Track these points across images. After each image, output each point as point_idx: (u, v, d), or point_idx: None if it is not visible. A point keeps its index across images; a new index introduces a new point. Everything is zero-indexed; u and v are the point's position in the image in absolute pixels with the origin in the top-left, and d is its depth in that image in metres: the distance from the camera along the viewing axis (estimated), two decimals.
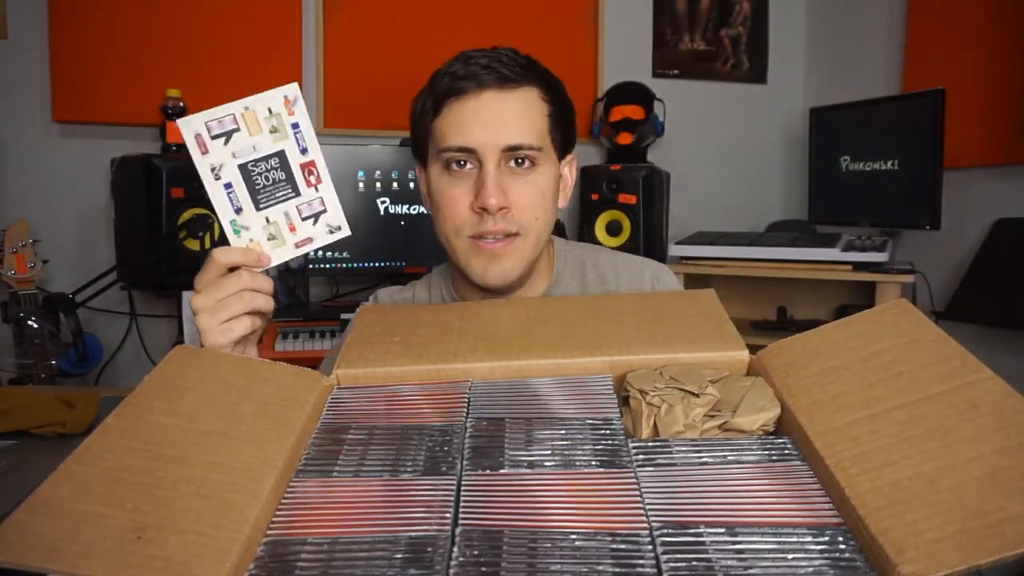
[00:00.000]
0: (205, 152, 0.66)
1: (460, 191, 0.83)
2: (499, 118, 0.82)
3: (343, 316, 1.90)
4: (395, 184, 2.09)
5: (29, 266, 1.78)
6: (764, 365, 0.62)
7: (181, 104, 2.00)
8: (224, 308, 0.68)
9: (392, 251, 2.11)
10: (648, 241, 2.05)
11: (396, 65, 2.27)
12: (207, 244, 1.82)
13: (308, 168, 0.68)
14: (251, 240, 0.69)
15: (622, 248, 2.05)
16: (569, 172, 0.93)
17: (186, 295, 1.84)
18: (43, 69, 2.01)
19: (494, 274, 0.84)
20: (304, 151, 0.68)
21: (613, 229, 2.08)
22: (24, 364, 1.77)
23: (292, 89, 0.68)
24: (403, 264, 2.12)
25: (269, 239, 0.69)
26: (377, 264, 2.11)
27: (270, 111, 0.67)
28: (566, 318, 0.71)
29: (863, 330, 0.59)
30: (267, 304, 0.70)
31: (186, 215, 1.84)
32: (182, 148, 1.95)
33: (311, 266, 2.07)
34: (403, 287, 1.03)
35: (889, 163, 2.03)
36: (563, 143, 0.89)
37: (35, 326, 1.77)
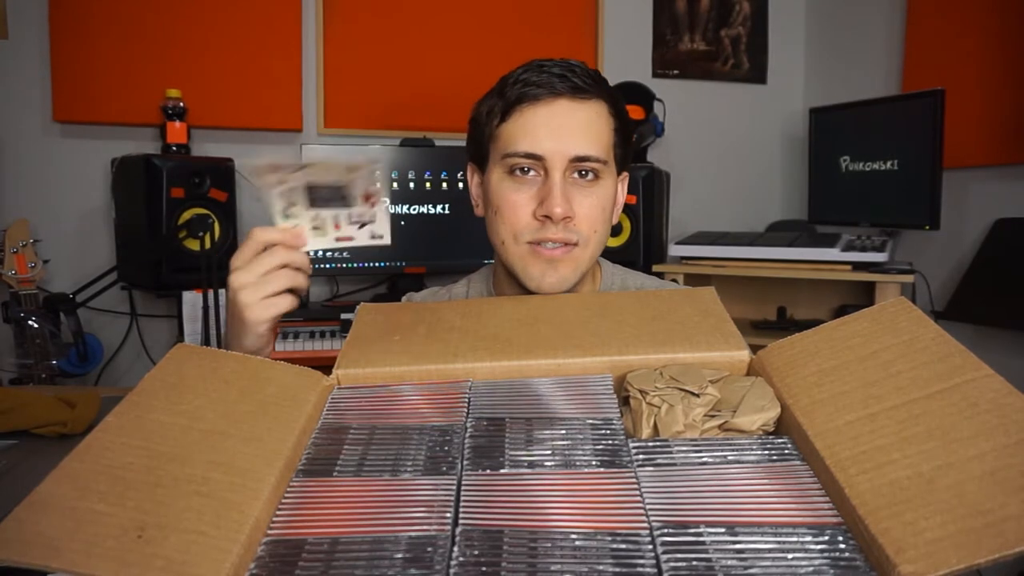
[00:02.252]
0: (276, 171, 0.68)
1: (523, 197, 0.83)
2: (569, 128, 0.82)
3: (343, 316, 1.90)
4: (395, 184, 2.09)
5: (29, 266, 1.78)
6: (764, 365, 0.62)
7: (181, 104, 2.00)
8: (266, 283, 0.69)
9: (392, 251, 2.11)
10: (648, 241, 2.05)
11: (396, 65, 2.27)
12: (207, 244, 1.82)
13: (369, 195, 0.71)
14: (295, 225, 0.70)
15: (622, 248, 2.07)
16: (621, 190, 0.93)
17: (186, 295, 1.84)
18: (43, 69, 2.01)
19: (551, 281, 0.84)
20: (372, 184, 0.71)
21: (613, 229, 2.07)
22: (24, 364, 1.77)
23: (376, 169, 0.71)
24: (403, 264, 2.12)
25: (313, 229, 0.71)
26: (377, 264, 2.11)
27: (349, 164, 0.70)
28: (566, 317, 0.71)
29: (862, 329, 0.59)
30: (305, 282, 0.71)
31: (186, 215, 1.84)
32: (182, 148, 1.98)
33: (311, 266, 2.07)
34: (439, 288, 1.04)
35: (889, 163, 2.03)
36: (622, 161, 0.90)
37: (35, 326, 1.77)
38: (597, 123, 0.84)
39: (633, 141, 0.93)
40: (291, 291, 0.71)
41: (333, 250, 0.70)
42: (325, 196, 0.69)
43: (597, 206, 0.84)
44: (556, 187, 0.81)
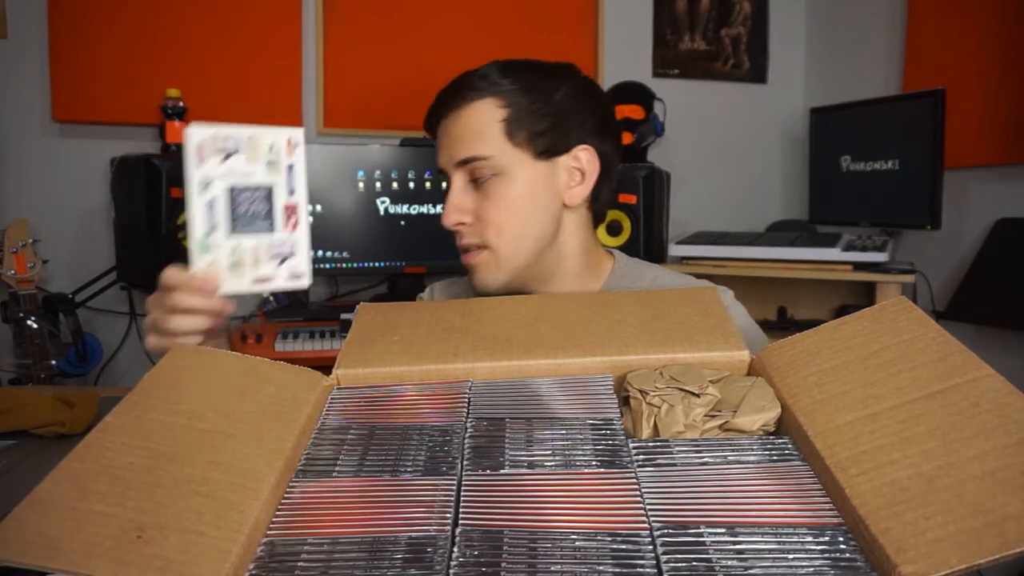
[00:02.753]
0: (201, 162, 0.66)
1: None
2: (449, 138, 0.86)
3: (343, 316, 1.90)
4: (395, 184, 2.09)
5: (29, 266, 1.78)
6: (764, 365, 0.62)
7: (181, 104, 2.00)
8: (156, 326, 0.71)
9: (392, 251, 2.11)
10: (648, 241, 2.05)
11: (396, 65, 2.27)
12: None
13: (290, 210, 0.69)
14: (213, 263, 0.68)
15: (622, 248, 2.06)
16: (588, 161, 0.87)
17: None
18: (43, 69, 2.01)
19: (476, 284, 0.88)
20: (291, 192, 0.69)
21: (613, 229, 2.08)
22: (24, 364, 1.77)
23: (298, 133, 0.69)
24: (403, 264, 2.12)
25: (231, 266, 0.68)
26: (377, 264, 2.11)
27: (271, 147, 0.68)
28: (567, 317, 0.71)
29: (862, 329, 0.59)
30: (200, 324, 0.70)
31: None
32: (181, 148, 1.98)
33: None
34: (454, 280, 1.06)
35: (889, 163, 2.03)
36: (542, 142, 0.84)
37: (35, 326, 1.77)
38: (479, 122, 0.83)
39: (643, 119, 0.95)
40: (190, 332, 0.70)
41: (250, 294, 0.67)
42: (247, 211, 0.67)
43: (498, 206, 0.84)
44: (447, 198, 0.86)
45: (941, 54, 2.08)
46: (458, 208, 0.85)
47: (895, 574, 0.40)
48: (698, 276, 0.98)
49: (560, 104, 0.86)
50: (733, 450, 0.53)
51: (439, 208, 2.11)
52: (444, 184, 0.89)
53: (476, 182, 0.85)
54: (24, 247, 1.79)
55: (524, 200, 0.85)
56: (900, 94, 2.16)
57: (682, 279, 0.96)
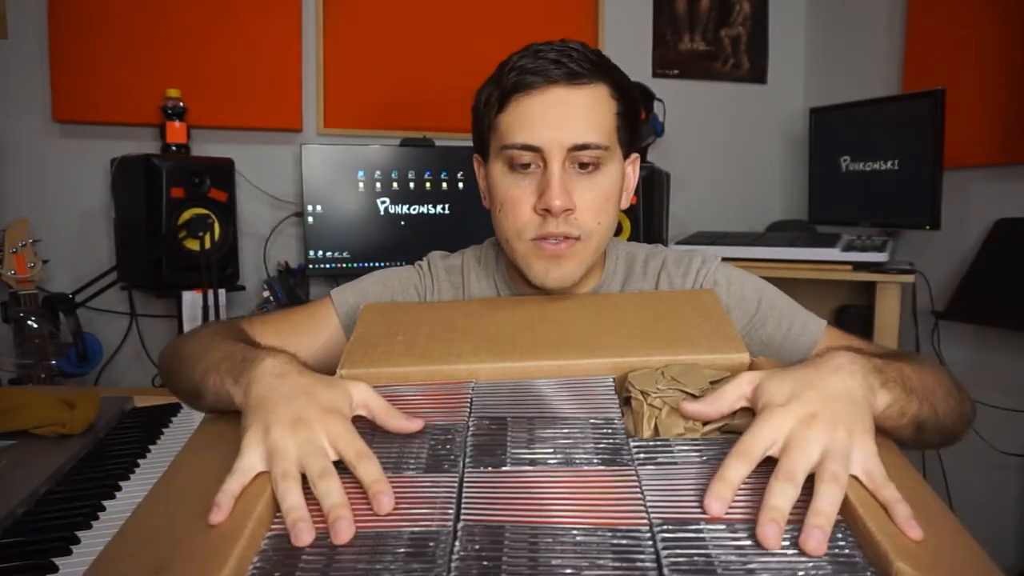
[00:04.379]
0: None
1: (524, 192, 0.81)
2: (566, 116, 0.79)
3: None
4: (395, 184, 2.09)
5: (29, 266, 1.78)
6: (764, 367, 0.62)
7: (181, 104, 2.00)
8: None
9: (392, 251, 2.11)
10: (648, 241, 2.05)
11: (396, 65, 2.27)
12: (207, 244, 1.82)
13: None
14: None
15: None
16: (632, 172, 0.90)
17: (186, 295, 1.84)
18: (43, 69, 2.01)
19: (555, 277, 0.82)
20: None
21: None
22: (24, 364, 1.77)
23: None
24: (403, 264, 2.12)
25: None
26: (377, 264, 2.11)
27: None
28: (568, 318, 0.72)
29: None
30: None
31: (186, 215, 1.84)
32: (182, 148, 1.98)
33: (311, 266, 2.07)
34: (452, 254, 1.01)
35: (889, 163, 2.03)
36: (629, 142, 0.86)
37: (35, 326, 1.76)
38: (596, 108, 0.80)
39: (642, 119, 0.92)
40: None
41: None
42: None
43: (600, 197, 0.81)
44: (554, 178, 0.78)
45: (941, 54, 2.08)
46: (568, 192, 0.79)
47: (892, 570, 0.40)
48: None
49: (638, 110, 0.86)
50: None
51: (439, 208, 2.12)
52: (524, 162, 0.80)
53: (577, 168, 0.80)
54: (24, 247, 1.78)
55: (613, 196, 0.84)
56: (900, 94, 2.16)
57: (678, 256, 0.96)
